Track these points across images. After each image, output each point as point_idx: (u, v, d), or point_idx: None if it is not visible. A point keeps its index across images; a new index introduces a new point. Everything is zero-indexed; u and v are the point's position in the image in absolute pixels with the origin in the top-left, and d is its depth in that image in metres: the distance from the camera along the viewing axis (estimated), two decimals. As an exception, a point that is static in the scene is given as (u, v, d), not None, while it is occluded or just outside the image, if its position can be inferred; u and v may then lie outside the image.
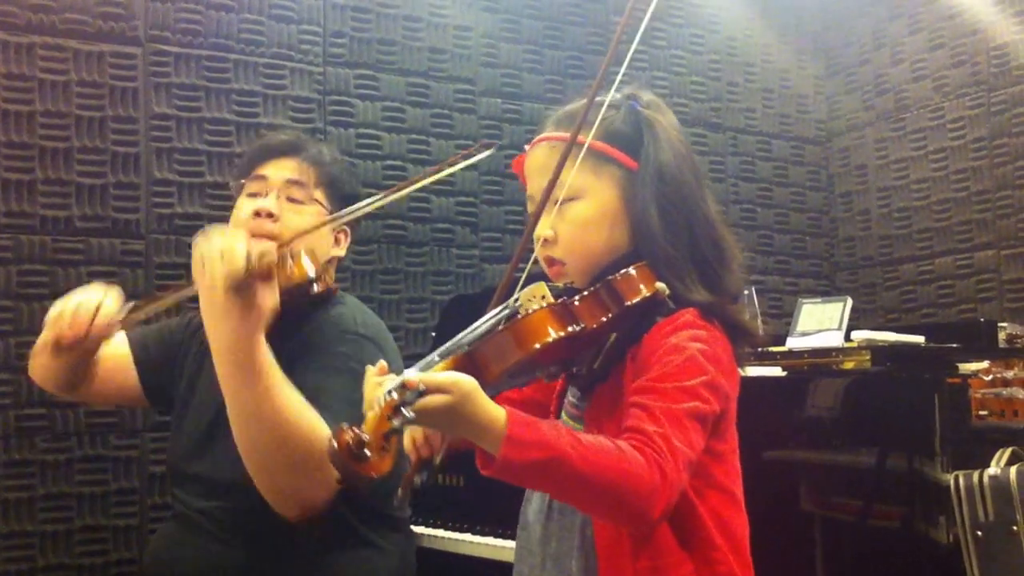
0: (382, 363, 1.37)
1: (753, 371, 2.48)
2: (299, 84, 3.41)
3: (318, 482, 1.86)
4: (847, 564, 2.50)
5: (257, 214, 2.12)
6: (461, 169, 2.18)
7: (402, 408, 1.24)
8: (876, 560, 2.50)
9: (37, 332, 2.93)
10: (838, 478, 2.53)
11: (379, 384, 1.30)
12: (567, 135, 1.52)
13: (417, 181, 2.13)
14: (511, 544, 2.43)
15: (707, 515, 1.45)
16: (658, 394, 1.37)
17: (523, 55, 3.83)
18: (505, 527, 2.49)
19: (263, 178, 2.17)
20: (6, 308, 2.95)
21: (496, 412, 1.27)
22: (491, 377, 1.35)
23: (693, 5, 4.22)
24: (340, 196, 2.23)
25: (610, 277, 1.46)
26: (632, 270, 1.47)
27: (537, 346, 1.36)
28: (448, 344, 1.39)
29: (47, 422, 2.98)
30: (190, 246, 3.10)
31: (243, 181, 2.22)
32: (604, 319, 1.43)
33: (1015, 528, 2.46)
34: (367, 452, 1.24)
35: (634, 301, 1.45)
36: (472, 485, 2.61)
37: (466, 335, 1.39)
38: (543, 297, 1.45)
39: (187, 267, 3.09)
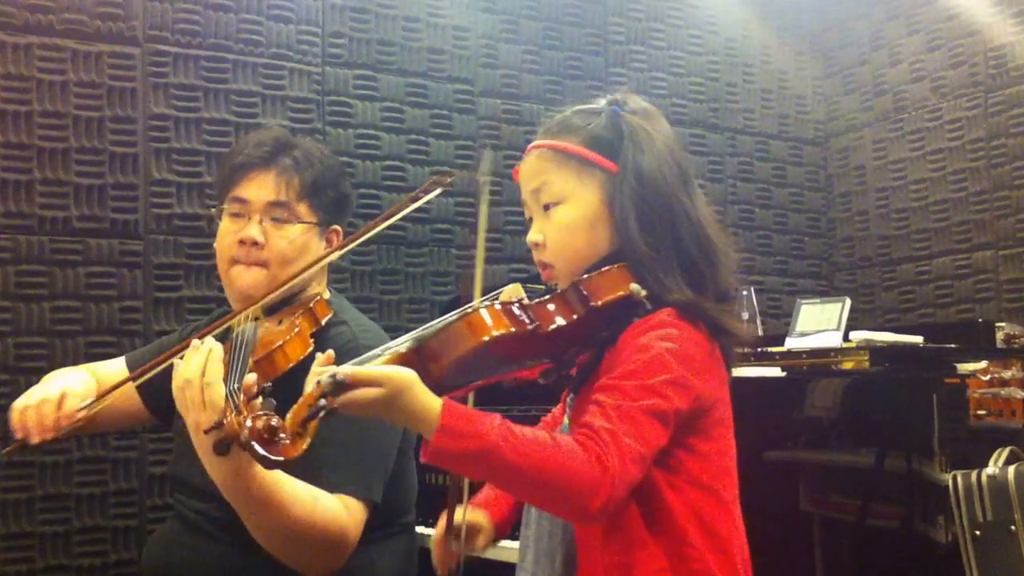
0: (329, 353, 1.42)
1: (752, 371, 2.48)
2: (298, 84, 3.41)
3: (338, 555, 1.93)
4: (846, 564, 2.50)
5: (242, 243, 2.11)
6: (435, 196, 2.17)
7: (324, 398, 1.29)
8: (875, 560, 2.50)
9: (35, 332, 2.97)
10: (837, 478, 2.54)
11: (317, 374, 1.36)
12: (555, 142, 1.61)
13: (394, 213, 2.10)
14: (511, 544, 2.43)
15: (681, 510, 1.47)
16: (617, 391, 1.40)
17: (522, 56, 3.82)
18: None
19: (243, 201, 2.14)
20: (4, 308, 2.95)
21: (432, 402, 1.32)
22: (440, 369, 1.39)
23: (692, 6, 4.22)
24: (325, 202, 2.19)
25: (578, 278, 1.50)
26: (605, 271, 1.51)
27: (485, 339, 1.38)
28: (400, 339, 1.44)
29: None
30: (188, 246, 3.15)
31: (223, 206, 2.19)
32: (567, 320, 1.46)
33: (1013, 527, 2.46)
34: (280, 436, 1.30)
35: (602, 302, 1.47)
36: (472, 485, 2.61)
37: (420, 330, 1.44)
38: (520, 298, 1.49)
39: (185, 268, 3.15)
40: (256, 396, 1.67)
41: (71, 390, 2.08)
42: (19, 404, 2.06)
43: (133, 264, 3.11)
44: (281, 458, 1.30)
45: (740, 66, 4.33)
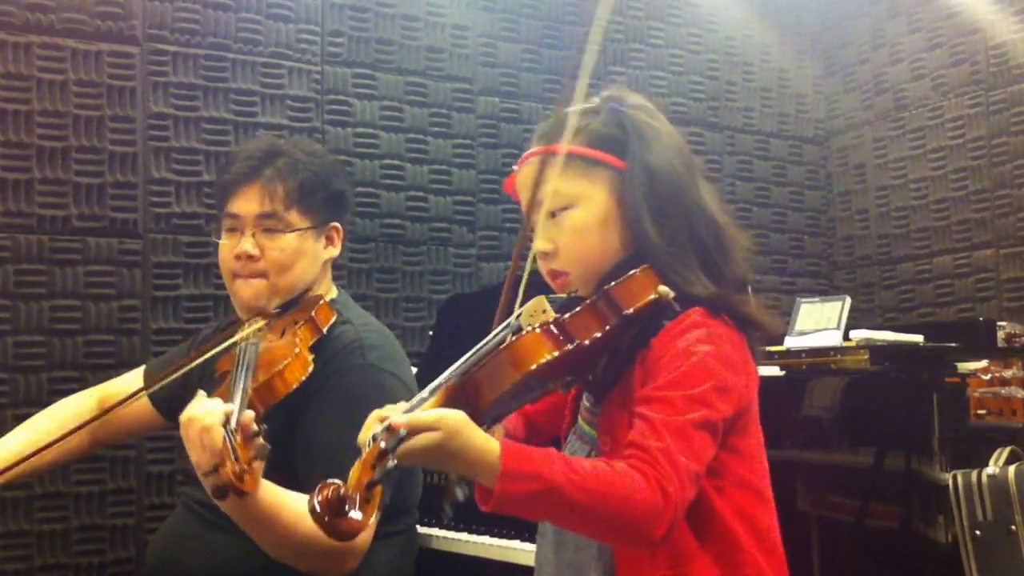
0: (382, 412, 1.38)
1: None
2: (297, 83, 3.41)
3: (350, 558, 1.96)
4: (845, 564, 2.50)
5: (238, 257, 2.17)
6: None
7: (386, 455, 1.23)
8: (874, 559, 2.50)
9: (35, 331, 2.97)
10: (836, 478, 2.53)
11: (370, 427, 1.30)
12: (552, 147, 1.53)
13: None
14: (511, 544, 2.44)
15: (730, 514, 1.44)
16: (663, 404, 1.36)
17: (521, 54, 3.82)
18: (504, 527, 2.48)
19: (235, 216, 2.19)
20: (4, 307, 2.95)
21: (489, 445, 1.26)
22: (485, 404, 1.34)
23: (691, 4, 4.21)
24: (317, 204, 2.22)
25: (608, 286, 1.44)
26: (632, 276, 1.45)
27: (532, 368, 1.34)
28: (442, 376, 1.38)
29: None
30: (188, 245, 3.15)
31: (219, 223, 2.25)
32: (602, 331, 1.41)
33: (1013, 527, 2.46)
34: (348, 508, 1.23)
35: (633, 309, 1.43)
36: (472, 484, 2.61)
37: (461, 363, 1.39)
38: (543, 311, 1.45)
39: (184, 267, 3.15)
40: (253, 436, 1.69)
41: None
42: None
43: (132, 263, 3.11)
44: (354, 531, 1.24)
45: (740, 64, 4.33)
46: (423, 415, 1.26)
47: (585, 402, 1.59)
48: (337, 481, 1.24)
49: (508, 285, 1.47)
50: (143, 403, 2.37)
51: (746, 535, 1.44)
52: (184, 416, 1.82)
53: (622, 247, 1.53)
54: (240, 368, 1.91)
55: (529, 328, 1.39)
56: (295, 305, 2.18)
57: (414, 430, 1.24)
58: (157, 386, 2.15)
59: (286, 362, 1.96)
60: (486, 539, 2.51)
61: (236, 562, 2.03)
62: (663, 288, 1.45)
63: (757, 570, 1.45)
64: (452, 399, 1.33)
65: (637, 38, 4.07)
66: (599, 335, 1.40)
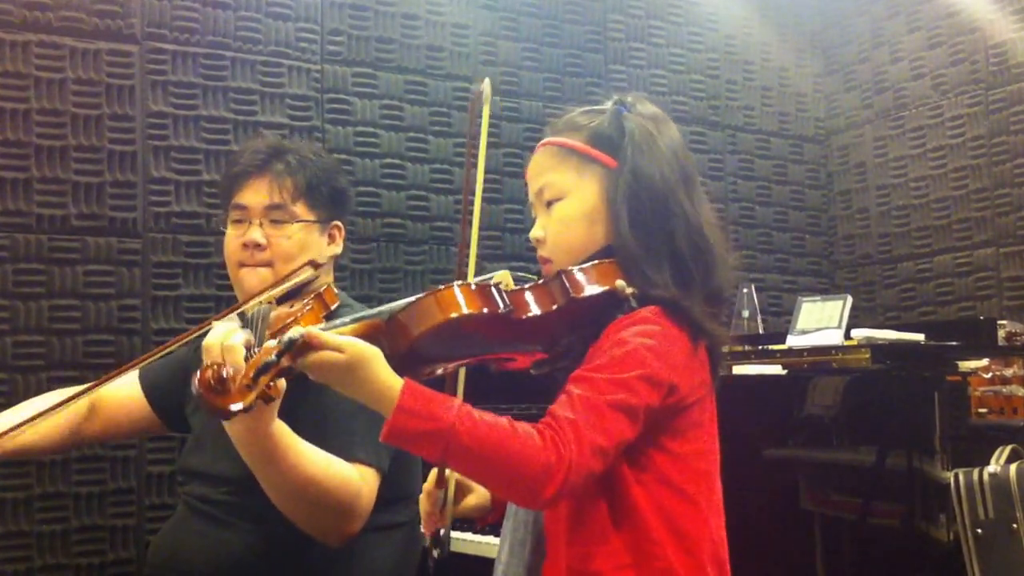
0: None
1: (753, 369, 2.48)
2: (297, 82, 3.40)
3: (354, 517, 1.98)
4: (847, 562, 2.50)
5: (245, 246, 2.19)
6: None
7: (281, 356, 1.31)
8: (876, 558, 2.49)
9: (34, 331, 2.96)
10: (838, 476, 2.53)
11: (290, 328, 1.37)
12: (559, 139, 1.64)
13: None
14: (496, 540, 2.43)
15: (647, 507, 1.47)
16: (587, 383, 1.41)
17: (521, 53, 3.82)
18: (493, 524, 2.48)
19: (243, 207, 2.22)
20: (3, 307, 2.94)
21: (392, 381, 1.34)
22: (407, 342, 1.39)
23: (692, 3, 4.21)
24: (322, 200, 2.25)
25: (564, 270, 1.51)
26: (593, 264, 1.51)
27: (453, 315, 1.38)
28: (372, 310, 1.44)
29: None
30: (187, 245, 3.14)
31: (226, 215, 2.27)
32: (546, 309, 1.47)
33: (1015, 526, 2.46)
34: (229, 386, 1.31)
35: (584, 294, 1.48)
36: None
37: (393, 304, 1.44)
38: (502, 283, 1.50)
39: (184, 266, 3.14)
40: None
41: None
42: None
43: (132, 262, 3.11)
44: (226, 408, 1.31)
45: (740, 63, 4.32)
46: (333, 336, 1.35)
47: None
48: (220, 364, 1.33)
49: (461, 255, 1.54)
50: (136, 398, 2.37)
51: (661, 530, 1.47)
52: (208, 340, 1.79)
53: (603, 242, 1.58)
54: (254, 324, 1.93)
55: (466, 281, 1.44)
56: (300, 293, 2.20)
57: (315, 345, 1.33)
58: (148, 360, 2.16)
59: (301, 313, 1.98)
60: (483, 538, 2.50)
61: (239, 558, 2.03)
62: (620, 282, 1.50)
63: (667, 565, 1.47)
64: (372, 333, 1.39)
65: (638, 37, 4.07)
66: (539, 312, 1.46)
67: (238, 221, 2.23)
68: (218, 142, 3.23)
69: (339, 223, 2.30)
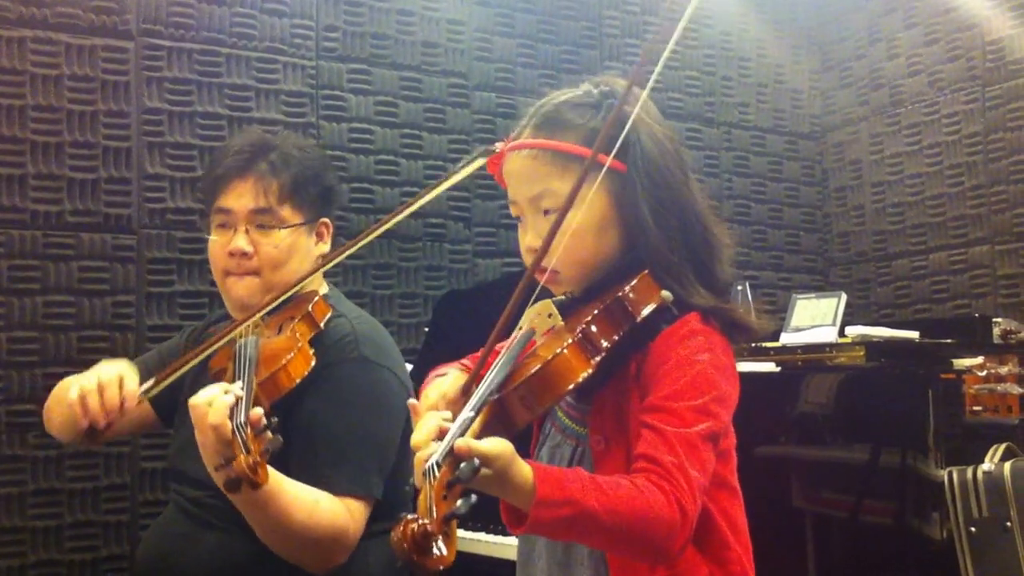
0: (412, 402, 1.38)
1: (747, 366, 2.47)
2: (291, 78, 3.40)
3: (340, 552, 1.97)
4: (840, 560, 2.50)
5: (231, 255, 2.14)
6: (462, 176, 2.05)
7: (460, 484, 1.19)
8: (870, 556, 2.50)
9: (28, 327, 2.95)
10: (831, 474, 2.53)
11: (424, 442, 1.26)
12: (553, 143, 1.50)
13: (418, 198, 2.02)
14: (506, 540, 2.43)
15: (719, 516, 1.45)
16: (671, 415, 1.36)
17: (516, 49, 3.81)
18: (500, 524, 2.48)
19: (227, 211, 2.16)
20: (-3, 303, 2.94)
21: (526, 474, 1.25)
22: (522, 423, 1.34)
23: (687, -1, 4.20)
24: (309, 199, 2.20)
25: (619, 293, 1.43)
26: (637, 282, 1.44)
27: (570, 388, 1.35)
28: (478, 393, 1.34)
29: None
30: (182, 241, 3.14)
31: (208, 219, 2.22)
32: (618, 337, 1.41)
33: (1009, 524, 2.46)
34: (433, 545, 1.16)
35: (641, 317, 1.43)
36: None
37: (493, 375, 1.36)
38: (550, 315, 1.45)
39: (179, 263, 3.14)
40: (264, 430, 1.68)
41: (127, 372, 2.05)
42: (75, 392, 1.98)
43: (126, 258, 3.10)
44: (441, 564, 1.17)
45: (736, 60, 4.32)
46: (485, 447, 1.22)
47: (568, 398, 1.57)
48: (415, 516, 1.16)
49: (519, 294, 1.44)
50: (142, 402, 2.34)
51: (727, 533, 1.46)
52: (192, 401, 1.78)
53: (618, 250, 1.51)
54: (241, 364, 1.89)
55: (561, 348, 1.36)
56: (289, 301, 2.17)
57: (483, 462, 1.20)
58: (157, 388, 2.04)
59: (289, 356, 1.94)
60: (479, 535, 2.50)
61: (227, 561, 2.01)
62: (666, 293, 1.45)
63: (741, 567, 1.46)
64: (494, 415, 1.32)
65: (633, 33, 4.06)
66: (610, 345, 1.40)
67: (222, 226, 2.17)
68: (213, 138, 3.23)
69: (327, 220, 2.26)
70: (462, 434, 1.25)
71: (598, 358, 1.37)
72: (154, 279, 3.14)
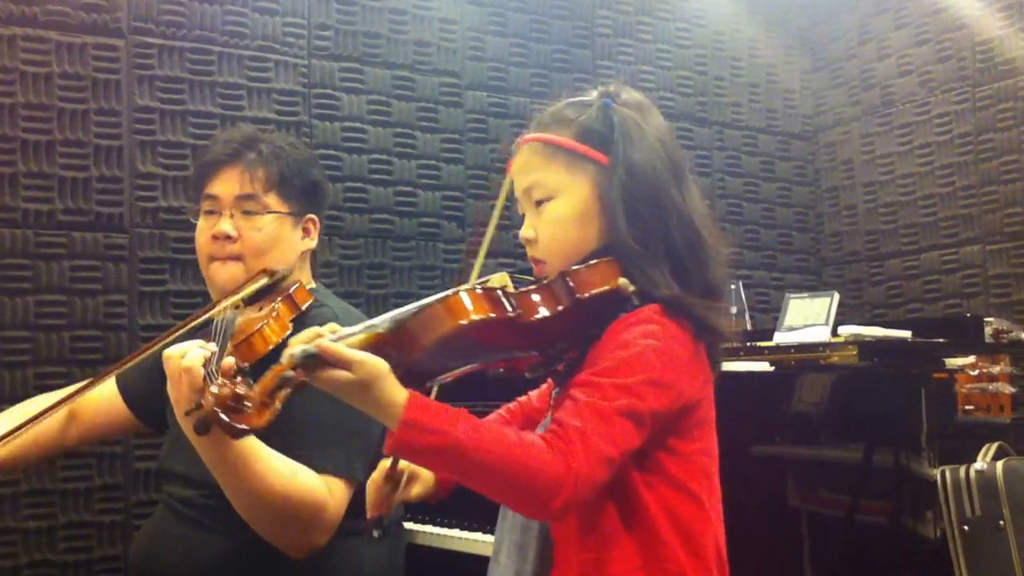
0: (314, 329, 1.40)
1: (740, 366, 2.47)
2: (284, 77, 3.39)
3: (318, 530, 1.96)
4: (834, 559, 2.50)
5: (215, 238, 2.16)
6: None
7: (294, 370, 1.30)
8: (863, 555, 2.50)
9: (19, 326, 2.95)
10: (825, 473, 2.53)
11: (300, 341, 1.35)
12: (546, 136, 1.57)
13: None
14: (482, 537, 2.43)
15: (656, 509, 1.46)
16: (593, 388, 1.39)
17: (509, 48, 3.81)
18: (475, 520, 2.48)
19: (214, 197, 2.19)
20: (-12, 302, 2.93)
21: (398, 395, 1.31)
22: (415, 354, 1.36)
23: (680, -1, 4.22)
24: (295, 192, 2.22)
25: (567, 269, 1.48)
26: (593, 264, 1.48)
27: (463, 323, 1.35)
28: (379, 317, 1.41)
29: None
30: (174, 240, 3.13)
31: (197, 206, 2.24)
32: (552, 311, 1.44)
33: (1001, 523, 2.47)
34: (246, 404, 1.30)
35: (588, 294, 1.45)
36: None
37: (399, 311, 1.41)
38: (504, 287, 1.47)
39: (171, 262, 3.13)
40: (235, 375, 1.68)
41: None
42: None
43: (118, 258, 3.09)
44: (246, 427, 1.29)
45: (728, 60, 4.33)
46: (346, 351, 1.32)
47: (554, 394, 1.62)
48: (237, 380, 1.31)
49: (467, 254, 1.51)
50: (114, 400, 2.36)
51: (670, 532, 1.46)
52: (166, 353, 1.82)
53: (598, 241, 1.55)
54: (218, 334, 1.93)
55: (471, 286, 1.41)
56: (272, 291, 2.18)
57: (330, 359, 1.30)
58: (126, 366, 2.12)
59: (266, 322, 1.98)
60: (475, 535, 2.50)
61: (218, 562, 2.01)
62: (623, 280, 1.48)
63: (678, 566, 1.46)
64: (381, 343, 1.36)
65: (626, 33, 4.06)
66: (547, 314, 1.43)
67: (209, 212, 2.20)
68: (205, 137, 3.21)
69: (314, 217, 2.27)
70: (338, 340, 1.34)
71: (510, 314, 1.40)
72: (146, 278, 3.13)
